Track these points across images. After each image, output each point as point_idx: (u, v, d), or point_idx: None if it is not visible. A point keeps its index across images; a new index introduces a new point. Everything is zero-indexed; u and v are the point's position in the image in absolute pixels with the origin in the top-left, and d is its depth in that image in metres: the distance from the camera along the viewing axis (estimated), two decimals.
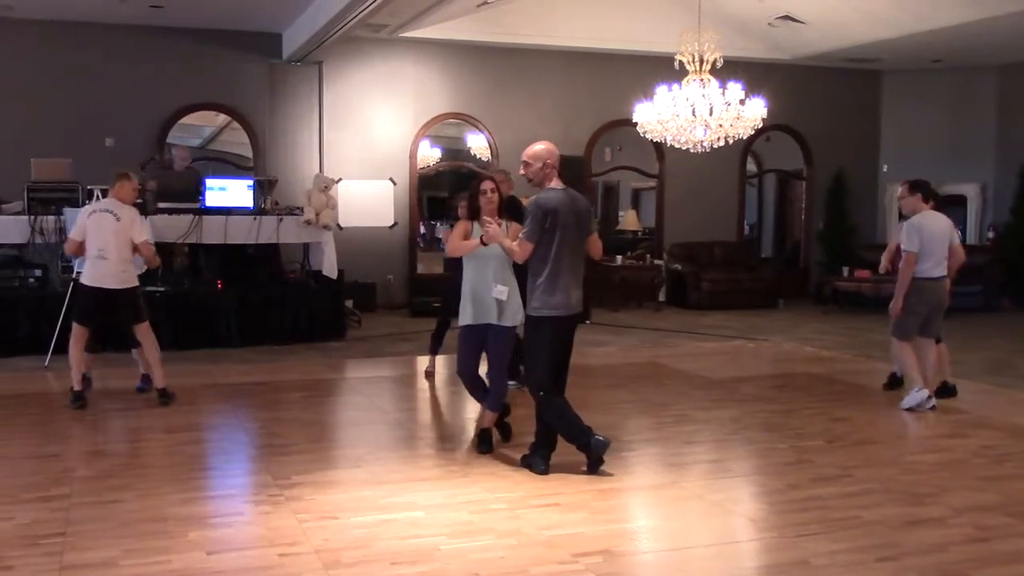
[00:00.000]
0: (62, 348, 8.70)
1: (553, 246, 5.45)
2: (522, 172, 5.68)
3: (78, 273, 7.52)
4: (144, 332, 7.42)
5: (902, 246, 7.44)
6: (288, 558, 4.23)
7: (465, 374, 6.14)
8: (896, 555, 4.34)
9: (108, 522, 4.69)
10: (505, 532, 4.60)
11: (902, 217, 8.00)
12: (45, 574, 4.03)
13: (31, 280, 9.76)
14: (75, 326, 7.33)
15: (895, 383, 8.02)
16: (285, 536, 4.51)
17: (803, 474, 5.64)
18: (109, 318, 7.40)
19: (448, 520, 4.77)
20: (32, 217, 9.51)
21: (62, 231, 9.50)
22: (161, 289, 9.86)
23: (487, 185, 6.08)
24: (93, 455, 6.05)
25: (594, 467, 5.52)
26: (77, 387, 7.25)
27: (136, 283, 7.37)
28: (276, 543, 4.42)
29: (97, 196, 9.15)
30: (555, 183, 5.60)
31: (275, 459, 5.86)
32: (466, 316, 6.04)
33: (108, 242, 7.15)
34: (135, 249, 7.30)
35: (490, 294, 5.95)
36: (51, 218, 9.57)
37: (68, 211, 9.44)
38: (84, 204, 9.42)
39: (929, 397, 7.35)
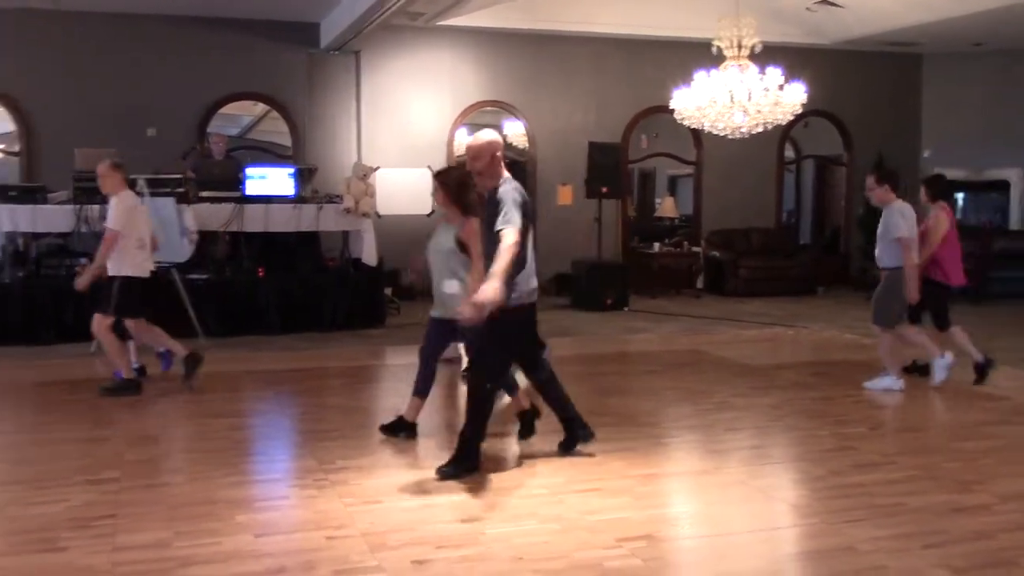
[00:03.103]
0: None
1: (528, 235, 5.29)
2: (472, 167, 5.35)
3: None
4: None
5: (900, 235, 7.28)
6: (335, 541, 4.29)
7: (424, 352, 6.06)
8: (942, 542, 4.32)
9: (158, 505, 4.78)
10: (548, 517, 4.63)
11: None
12: (98, 555, 4.11)
13: (77, 269, 9.88)
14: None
15: (921, 369, 7.93)
16: (331, 519, 4.57)
17: (845, 461, 5.62)
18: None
19: (491, 505, 4.81)
20: (78, 206, 9.65)
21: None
22: (203, 277, 9.98)
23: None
24: (141, 440, 6.15)
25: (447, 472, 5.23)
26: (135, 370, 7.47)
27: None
28: (323, 526, 4.48)
29: (140, 185, 9.27)
30: (506, 173, 5.33)
31: (319, 444, 5.93)
32: (436, 309, 6.03)
33: (145, 232, 7.41)
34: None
35: (444, 289, 5.89)
36: (96, 207, 9.70)
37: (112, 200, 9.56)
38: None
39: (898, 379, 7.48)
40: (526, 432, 6.04)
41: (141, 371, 7.69)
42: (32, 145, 12.19)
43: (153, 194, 9.35)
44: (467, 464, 5.24)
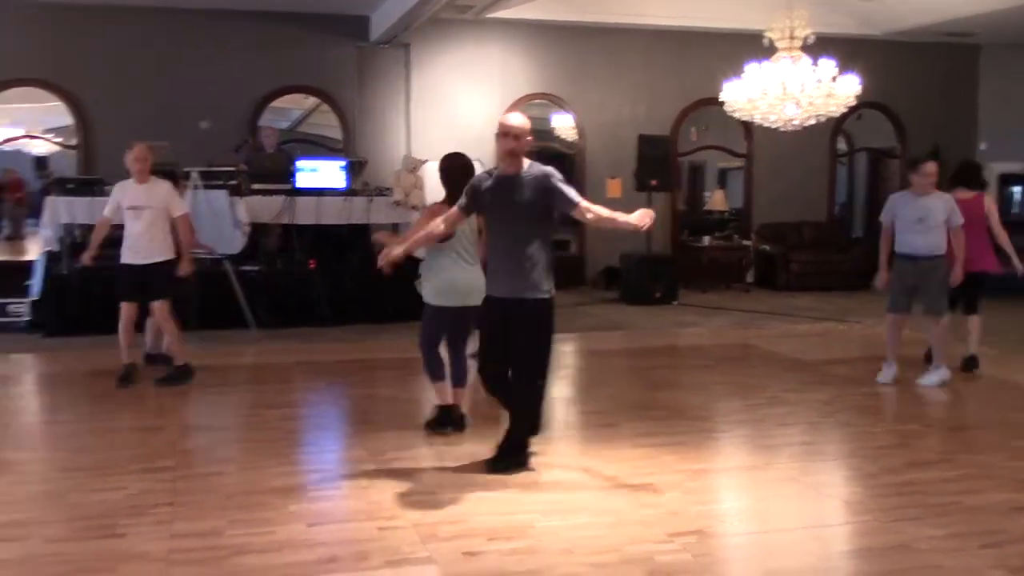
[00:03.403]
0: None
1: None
2: (512, 147, 5.07)
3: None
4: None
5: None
6: (387, 531, 4.33)
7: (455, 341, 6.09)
8: (1000, 542, 4.25)
9: (212, 493, 4.85)
10: (599, 511, 4.63)
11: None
12: (156, 542, 4.18)
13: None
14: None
15: (970, 364, 7.91)
16: (383, 510, 4.61)
17: (899, 458, 5.55)
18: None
19: (542, 498, 4.82)
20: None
21: None
22: (255, 269, 10.10)
23: None
24: (195, 429, 6.25)
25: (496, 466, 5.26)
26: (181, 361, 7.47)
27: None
28: (375, 516, 4.52)
29: (193, 177, 9.39)
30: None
31: (371, 435, 5.98)
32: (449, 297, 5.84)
33: None
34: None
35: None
36: None
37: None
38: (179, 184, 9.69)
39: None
40: (454, 426, 6.00)
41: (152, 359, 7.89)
42: (89, 139, 12.42)
43: (206, 187, 9.49)
44: (516, 459, 5.24)
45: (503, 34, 13.60)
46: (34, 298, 9.66)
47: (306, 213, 10.36)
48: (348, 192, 10.64)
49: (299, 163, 10.66)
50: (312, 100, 13.86)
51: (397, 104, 13.35)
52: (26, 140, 13.11)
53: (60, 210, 9.82)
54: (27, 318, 9.58)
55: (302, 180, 10.50)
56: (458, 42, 13.46)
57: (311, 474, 5.34)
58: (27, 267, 10.21)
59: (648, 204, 12.75)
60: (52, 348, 8.94)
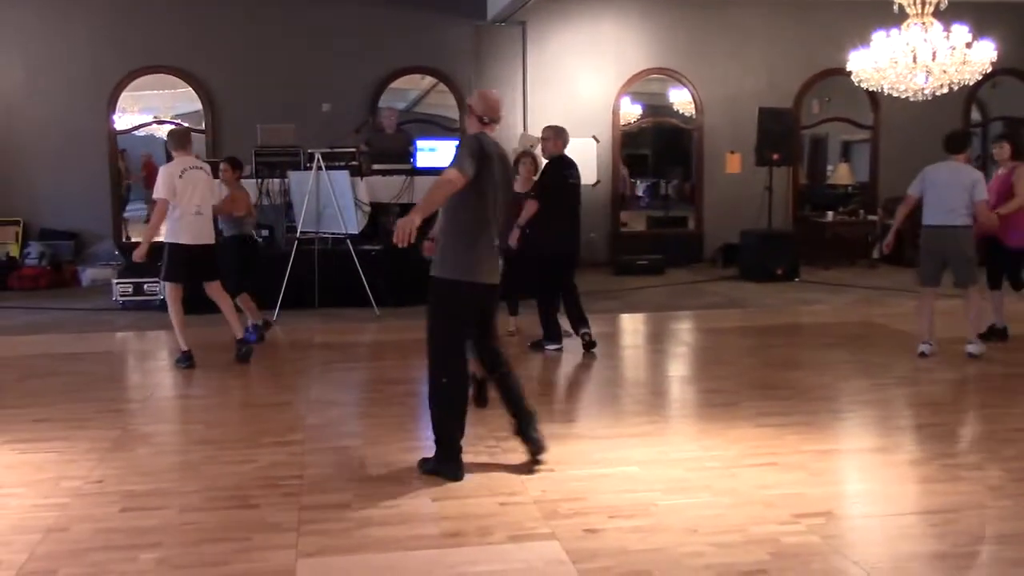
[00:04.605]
0: (288, 304, 9.29)
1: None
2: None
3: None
4: (218, 290, 7.63)
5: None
6: (508, 507, 4.36)
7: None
8: None
9: (339, 467, 4.98)
10: (721, 490, 4.57)
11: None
12: (286, 512, 4.32)
13: (259, 240, 10.38)
14: (173, 287, 7.47)
15: (994, 334, 7.98)
16: (504, 486, 4.64)
17: None
18: (200, 275, 7.55)
19: (663, 476, 4.78)
20: (259, 180, 10.08)
21: (286, 193, 10.07)
22: (376, 248, 10.27)
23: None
24: (321, 404, 6.40)
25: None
26: (185, 347, 7.43)
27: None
28: (496, 492, 4.56)
29: (317, 159, 9.61)
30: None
31: (489, 411, 5.95)
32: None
33: (205, 199, 7.45)
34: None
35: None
36: (276, 181, 10.13)
37: (292, 174, 9.97)
38: (305, 167, 9.93)
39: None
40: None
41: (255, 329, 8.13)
42: (216, 122, 12.84)
43: (328, 167, 9.68)
44: (437, 462, 4.84)
45: (618, 9, 13.47)
46: None
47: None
48: None
49: (419, 143, 10.80)
50: (429, 80, 14.00)
51: (514, 82, 13.36)
52: (156, 126, 13.60)
53: None
54: (162, 297, 9.94)
55: (422, 160, 10.64)
56: (574, 18, 13.39)
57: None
58: (160, 248, 10.58)
59: (769, 179, 12.56)
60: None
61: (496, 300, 5.12)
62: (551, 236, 7.63)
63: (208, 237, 7.51)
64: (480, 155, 4.71)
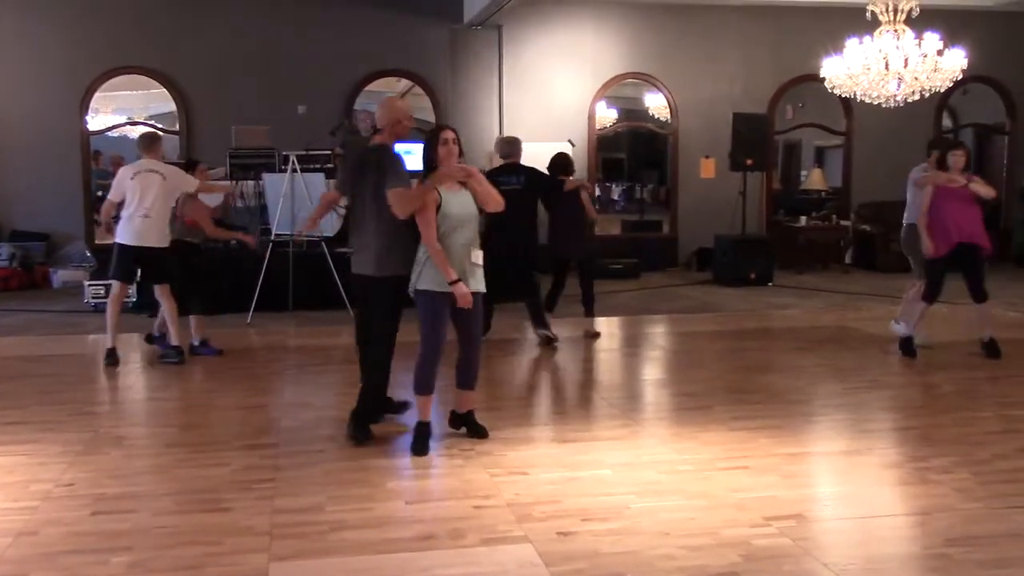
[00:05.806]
0: (263, 307, 9.25)
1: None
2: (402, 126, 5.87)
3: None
4: (166, 293, 7.64)
5: None
6: (482, 510, 4.36)
7: (440, 351, 5.39)
8: None
9: (313, 469, 4.96)
10: (694, 493, 4.59)
11: None
12: (259, 516, 4.29)
13: (232, 242, 10.31)
14: (118, 285, 7.63)
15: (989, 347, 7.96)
16: (478, 489, 4.65)
17: (1010, 444, 5.37)
18: (147, 276, 7.76)
19: (636, 479, 4.80)
20: (234, 182, 10.03)
21: (261, 195, 10.02)
22: (351, 251, 10.19)
23: (448, 135, 5.53)
24: (295, 407, 6.37)
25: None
26: (112, 344, 7.57)
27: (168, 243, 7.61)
28: (470, 495, 4.56)
29: (292, 161, 9.57)
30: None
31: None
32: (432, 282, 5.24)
33: (157, 202, 7.44)
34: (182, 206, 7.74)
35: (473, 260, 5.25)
36: (251, 183, 10.08)
37: (267, 177, 9.92)
38: (280, 169, 9.89)
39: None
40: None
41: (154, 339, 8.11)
42: (190, 124, 12.77)
43: (303, 170, 9.64)
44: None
45: (595, 14, 13.52)
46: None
47: None
48: None
49: (395, 146, 10.74)
50: (405, 83, 13.98)
51: (490, 86, 13.39)
52: (129, 127, 13.50)
53: None
54: (134, 299, 9.86)
55: None
56: (551, 22, 13.43)
57: (408, 453, 5.39)
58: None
59: (743, 184, 12.63)
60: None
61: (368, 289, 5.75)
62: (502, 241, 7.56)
63: (156, 240, 7.50)
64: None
